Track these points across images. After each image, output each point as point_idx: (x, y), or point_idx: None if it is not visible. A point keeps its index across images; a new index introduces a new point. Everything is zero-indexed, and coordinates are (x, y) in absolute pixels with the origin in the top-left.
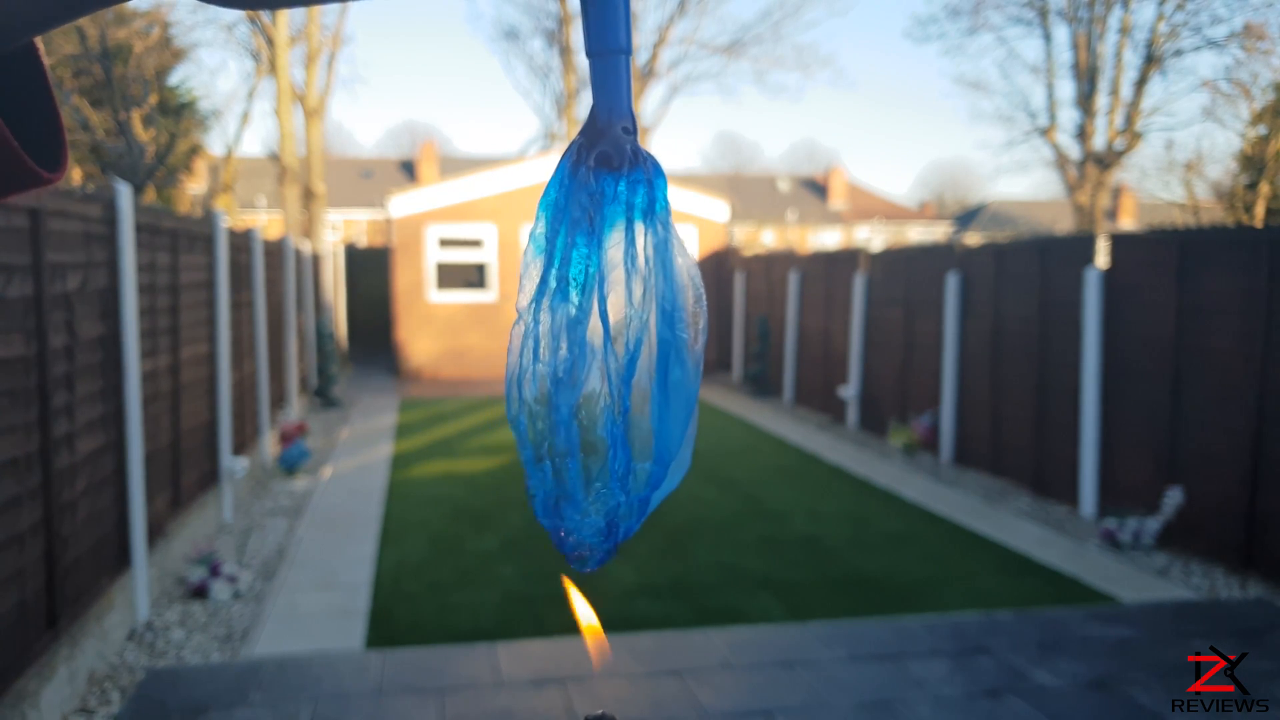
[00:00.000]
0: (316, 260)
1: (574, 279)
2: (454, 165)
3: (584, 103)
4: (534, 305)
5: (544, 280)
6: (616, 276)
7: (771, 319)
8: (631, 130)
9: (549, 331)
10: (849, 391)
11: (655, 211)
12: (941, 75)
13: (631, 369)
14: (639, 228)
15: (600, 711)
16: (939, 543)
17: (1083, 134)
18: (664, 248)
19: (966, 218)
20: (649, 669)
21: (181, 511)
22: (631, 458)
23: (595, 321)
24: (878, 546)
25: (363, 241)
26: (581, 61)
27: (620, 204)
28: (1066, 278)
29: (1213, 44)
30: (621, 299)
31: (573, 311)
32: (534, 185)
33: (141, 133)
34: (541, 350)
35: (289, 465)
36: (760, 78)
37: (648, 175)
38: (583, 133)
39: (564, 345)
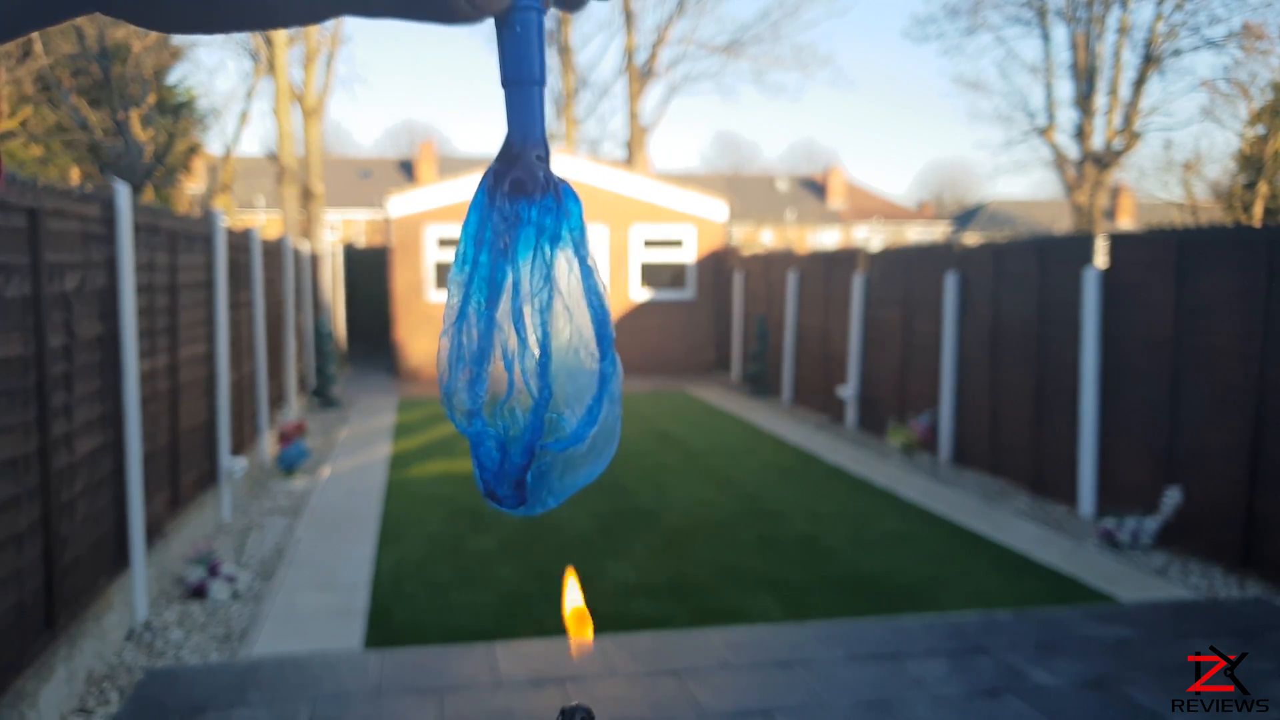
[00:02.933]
0: (315, 260)
1: (486, 293)
2: (453, 165)
3: (583, 102)
4: (459, 320)
5: (465, 297)
6: (527, 291)
7: (770, 319)
8: (544, 157)
9: (470, 340)
10: (848, 391)
11: (563, 234)
12: (940, 75)
13: (545, 362)
14: (549, 249)
15: (576, 703)
16: (938, 542)
17: (1081, 134)
18: (574, 267)
19: (965, 217)
20: (647, 669)
21: (180, 511)
22: (541, 435)
23: (510, 327)
24: (876, 546)
25: (361, 241)
26: (580, 61)
27: (532, 227)
28: (1065, 277)
29: (1211, 44)
30: (533, 309)
31: (478, 319)
32: None
33: (140, 132)
34: (465, 356)
35: (288, 465)
36: (759, 77)
37: (558, 200)
38: (498, 159)
39: (479, 346)
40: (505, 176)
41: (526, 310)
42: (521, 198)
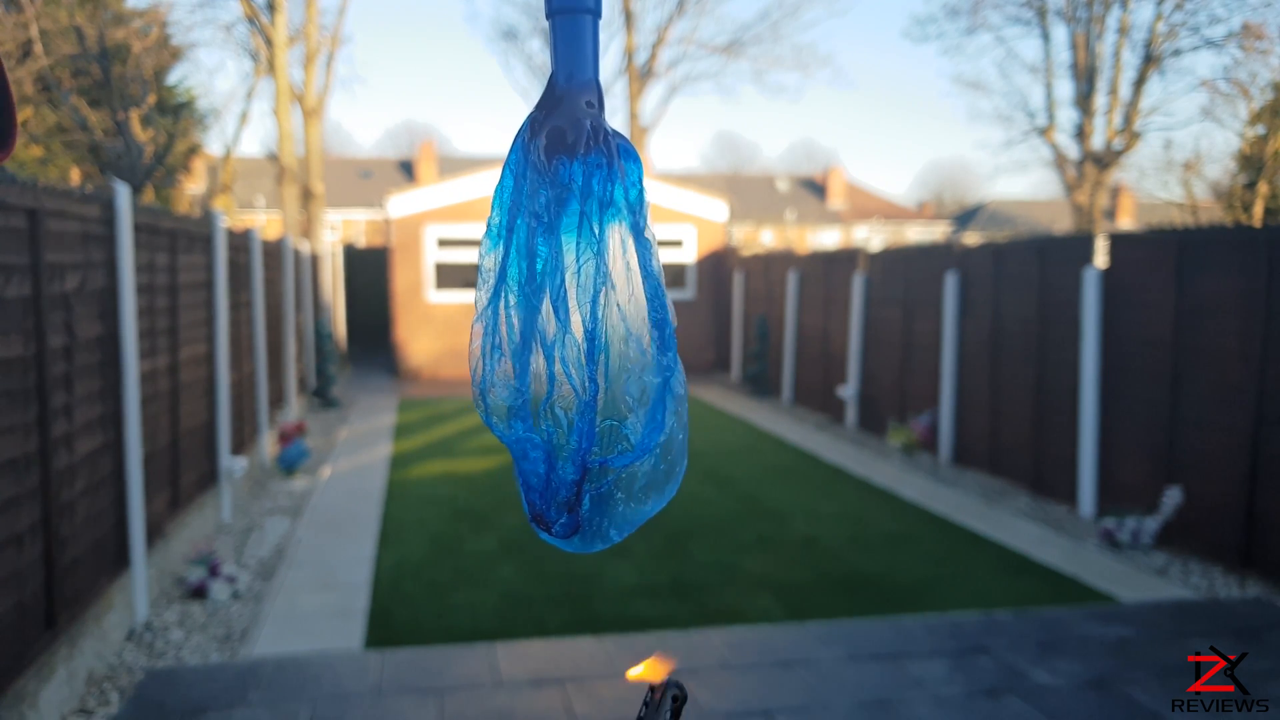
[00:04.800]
0: (315, 260)
1: (525, 271)
2: (453, 165)
3: None
4: (492, 301)
5: (500, 275)
6: (572, 270)
7: (770, 319)
8: (596, 104)
9: (508, 326)
10: (848, 391)
11: (617, 200)
12: (940, 75)
13: (592, 351)
14: (598, 221)
15: (668, 678)
16: (938, 542)
17: (1081, 134)
18: (629, 243)
19: (965, 217)
20: None
21: (180, 512)
22: (594, 444)
23: (548, 310)
24: (876, 546)
25: (361, 241)
26: None
27: (575, 192)
28: (1065, 277)
29: (1211, 44)
30: (579, 289)
31: (518, 301)
32: None
33: (140, 133)
34: (502, 344)
35: (288, 465)
36: (759, 77)
37: (609, 157)
38: (538, 105)
39: (518, 333)
40: (544, 125)
41: (570, 291)
42: (562, 153)
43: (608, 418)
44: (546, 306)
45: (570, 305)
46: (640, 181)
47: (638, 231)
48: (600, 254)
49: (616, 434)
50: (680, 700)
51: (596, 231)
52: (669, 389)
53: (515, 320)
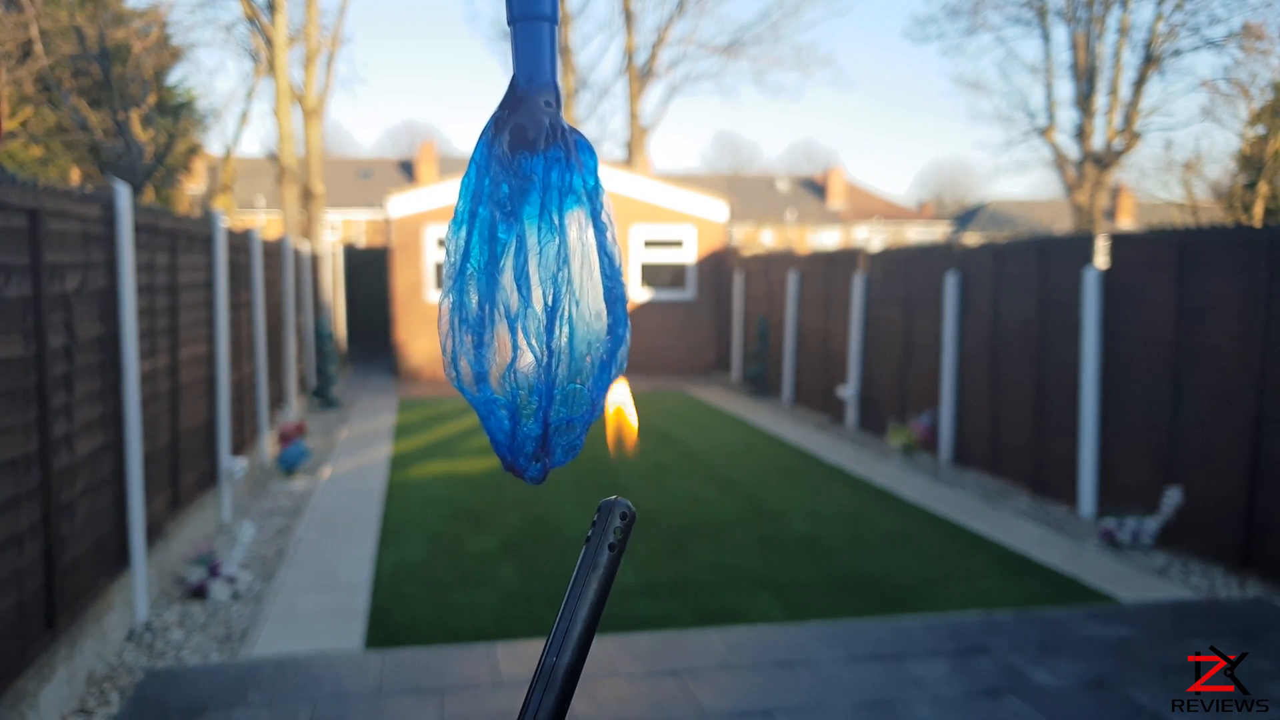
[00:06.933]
0: (315, 260)
1: (487, 253)
2: (453, 165)
3: (583, 102)
4: (457, 280)
5: (464, 255)
6: (534, 252)
7: (770, 319)
8: (554, 104)
9: (471, 301)
10: (848, 391)
11: (576, 188)
12: (940, 75)
13: (551, 325)
14: (558, 209)
15: (615, 497)
16: (938, 543)
17: (1081, 134)
18: (587, 227)
19: (965, 218)
20: (648, 669)
21: (180, 512)
22: (554, 404)
23: (512, 287)
24: (877, 546)
25: (362, 242)
26: (580, 62)
27: (537, 184)
28: (1065, 277)
29: (1211, 44)
30: (540, 268)
31: (479, 280)
32: None
33: (140, 133)
34: (467, 318)
35: (288, 465)
36: (759, 77)
37: (567, 152)
38: (501, 105)
39: (481, 307)
40: (507, 124)
41: (533, 270)
42: (524, 150)
43: (572, 381)
44: (510, 284)
45: (532, 283)
46: (596, 171)
47: (595, 216)
48: (561, 238)
49: (580, 395)
50: (629, 518)
51: (556, 218)
52: (614, 357)
53: (476, 297)
